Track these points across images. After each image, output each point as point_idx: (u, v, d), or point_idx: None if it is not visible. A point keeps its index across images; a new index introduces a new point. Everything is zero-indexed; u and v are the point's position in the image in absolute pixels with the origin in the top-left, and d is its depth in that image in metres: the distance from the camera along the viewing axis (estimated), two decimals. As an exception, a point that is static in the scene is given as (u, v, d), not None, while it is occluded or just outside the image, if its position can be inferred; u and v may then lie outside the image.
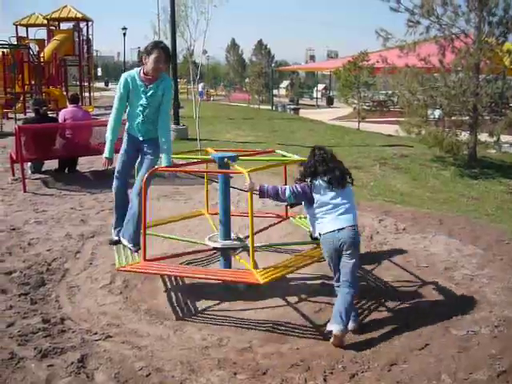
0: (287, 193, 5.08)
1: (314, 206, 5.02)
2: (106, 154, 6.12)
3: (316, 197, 4.99)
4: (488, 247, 7.28)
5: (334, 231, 4.85)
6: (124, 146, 6.29)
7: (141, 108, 5.97)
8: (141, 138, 6.14)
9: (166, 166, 5.91)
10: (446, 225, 8.32)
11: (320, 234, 5.01)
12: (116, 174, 6.26)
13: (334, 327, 4.63)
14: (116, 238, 6.30)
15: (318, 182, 4.98)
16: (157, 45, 5.89)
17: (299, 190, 5.06)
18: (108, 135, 6.09)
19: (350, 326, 4.84)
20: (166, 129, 6.06)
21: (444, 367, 4.30)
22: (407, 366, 4.37)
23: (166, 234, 6.66)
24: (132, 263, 5.48)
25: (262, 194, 5.16)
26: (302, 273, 6.04)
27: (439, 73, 13.88)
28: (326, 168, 5.00)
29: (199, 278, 5.79)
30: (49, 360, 4.36)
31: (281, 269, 5.25)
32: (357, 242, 4.92)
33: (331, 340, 4.67)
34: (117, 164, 6.28)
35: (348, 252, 4.83)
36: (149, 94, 5.92)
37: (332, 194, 4.94)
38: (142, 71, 5.91)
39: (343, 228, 4.84)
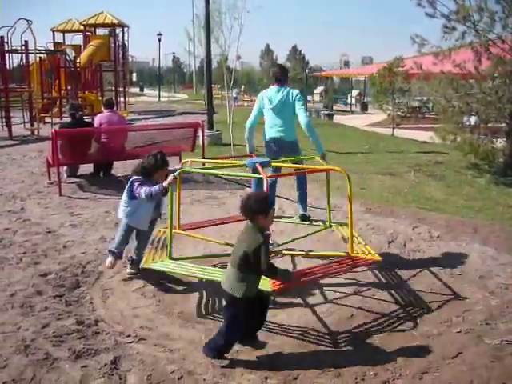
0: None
1: None
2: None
3: None
4: (523, 256, 7.18)
5: None
6: None
7: None
8: None
9: None
10: (481, 233, 8.23)
11: None
12: None
13: None
14: None
15: None
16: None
17: None
18: None
19: None
20: None
21: (476, 376, 4.26)
22: (439, 374, 4.33)
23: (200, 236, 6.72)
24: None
25: None
26: (333, 279, 6.05)
27: (475, 79, 13.73)
28: None
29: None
30: (82, 361, 4.42)
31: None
32: None
33: None
34: None
35: None
36: None
37: None
38: None
39: None
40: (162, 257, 5.94)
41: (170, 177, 5.83)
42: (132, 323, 5.22)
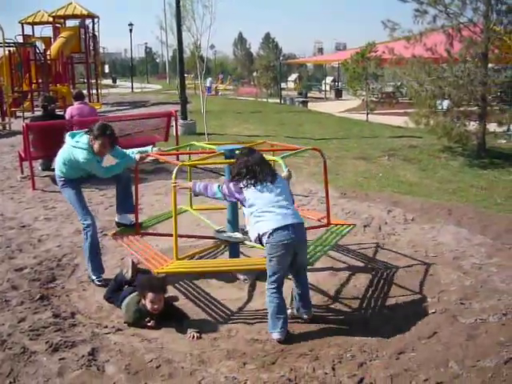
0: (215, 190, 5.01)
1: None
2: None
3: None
4: (497, 236, 7.27)
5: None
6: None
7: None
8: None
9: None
10: (455, 215, 8.31)
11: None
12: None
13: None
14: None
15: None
16: (103, 132, 6.22)
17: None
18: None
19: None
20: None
21: (452, 355, 4.31)
22: (415, 354, 4.38)
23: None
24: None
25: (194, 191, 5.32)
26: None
27: (447, 63, 13.80)
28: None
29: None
30: (60, 353, 4.39)
31: None
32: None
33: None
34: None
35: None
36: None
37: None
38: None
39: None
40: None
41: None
42: (109, 314, 5.22)
